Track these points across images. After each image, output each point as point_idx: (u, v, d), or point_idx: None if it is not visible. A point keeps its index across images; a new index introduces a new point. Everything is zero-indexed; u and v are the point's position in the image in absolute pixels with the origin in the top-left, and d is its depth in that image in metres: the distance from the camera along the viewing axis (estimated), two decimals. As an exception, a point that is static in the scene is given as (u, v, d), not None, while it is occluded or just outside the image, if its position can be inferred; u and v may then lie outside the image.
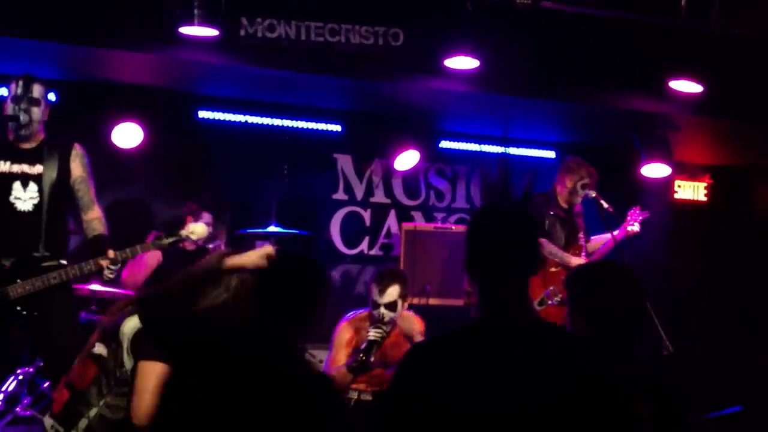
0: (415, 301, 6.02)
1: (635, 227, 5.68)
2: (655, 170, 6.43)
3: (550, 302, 5.34)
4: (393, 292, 4.14)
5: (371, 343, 3.93)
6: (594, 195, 5.46)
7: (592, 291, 2.35)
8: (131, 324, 2.90)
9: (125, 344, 2.87)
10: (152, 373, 2.74)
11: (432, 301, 5.85)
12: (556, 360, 1.86)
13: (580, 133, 6.99)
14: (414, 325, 4.12)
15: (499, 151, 6.95)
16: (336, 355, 4.23)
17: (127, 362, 2.86)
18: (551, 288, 5.41)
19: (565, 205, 5.73)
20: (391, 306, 4.14)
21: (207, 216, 5.57)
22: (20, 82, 4.08)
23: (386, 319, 4.09)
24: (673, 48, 5.59)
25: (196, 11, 4.62)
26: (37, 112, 4.10)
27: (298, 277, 2.49)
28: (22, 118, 4.06)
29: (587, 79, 5.84)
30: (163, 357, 2.75)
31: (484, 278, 1.96)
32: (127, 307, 2.98)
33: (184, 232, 4.10)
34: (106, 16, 4.90)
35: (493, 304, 1.94)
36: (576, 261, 5.51)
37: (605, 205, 5.41)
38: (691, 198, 7.47)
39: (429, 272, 6.17)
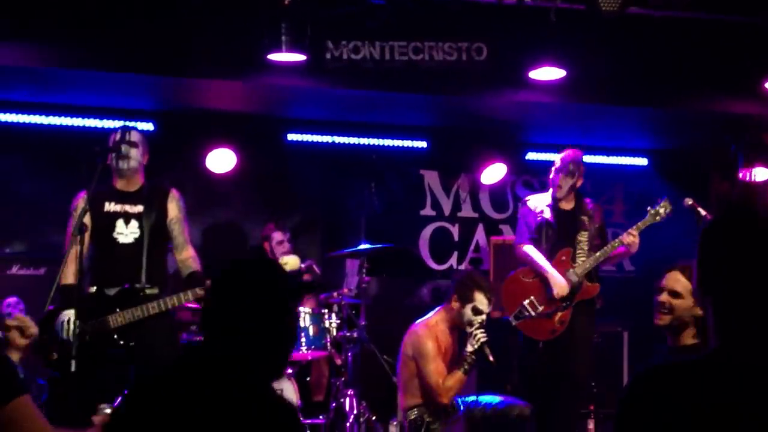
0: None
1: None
2: (754, 174, 6.19)
3: (526, 314, 4.99)
4: (492, 302, 4.50)
5: (483, 344, 4.32)
6: (691, 203, 5.21)
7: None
8: None
9: None
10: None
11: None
12: None
13: (673, 139, 6.82)
14: None
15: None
16: (438, 365, 4.41)
17: None
18: (530, 298, 5.06)
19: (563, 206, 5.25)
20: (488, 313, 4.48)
21: (278, 234, 5.80)
22: (119, 131, 4.36)
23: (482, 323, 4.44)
24: (765, 47, 5.39)
25: (283, 38, 4.74)
26: (135, 153, 4.34)
27: (247, 284, 1.96)
28: (123, 149, 4.28)
29: (678, 84, 5.69)
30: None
31: (721, 301, 1.67)
32: None
33: None
34: (197, 48, 5.08)
35: (733, 334, 1.65)
36: (554, 276, 5.03)
37: (702, 212, 5.19)
38: (794, 201, 7.16)
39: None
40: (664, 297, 3.36)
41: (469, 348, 4.37)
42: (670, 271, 3.40)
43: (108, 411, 2.53)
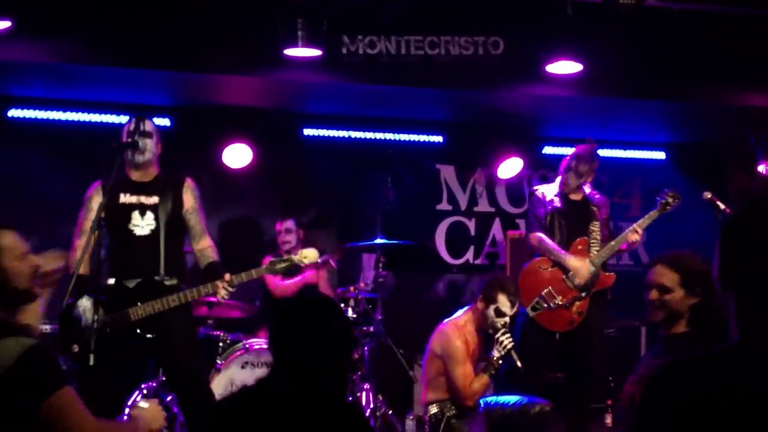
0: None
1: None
2: (773, 168, 6.14)
3: (546, 306, 4.93)
4: (515, 306, 4.47)
5: (510, 350, 4.35)
6: (709, 196, 5.14)
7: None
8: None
9: None
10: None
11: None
12: None
13: (691, 133, 6.77)
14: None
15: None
16: (466, 369, 4.39)
17: None
18: (548, 289, 4.99)
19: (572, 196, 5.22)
20: (510, 316, 4.46)
21: (278, 224, 5.86)
22: (133, 120, 4.34)
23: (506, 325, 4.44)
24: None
25: (299, 33, 4.75)
26: (150, 143, 4.32)
27: (311, 321, 2.32)
28: (141, 144, 4.28)
29: (696, 77, 5.65)
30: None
31: (742, 295, 1.67)
32: None
33: (296, 258, 4.25)
34: (214, 44, 5.09)
35: (754, 328, 1.65)
36: (571, 261, 4.99)
37: (721, 206, 5.13)
38: (813, 195, 7.10)
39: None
40: (653, 295, 3.19)
41: (496, 354, 4.36)
42: (654, 266, 3.24)
43: (144, 405, 2.55)
